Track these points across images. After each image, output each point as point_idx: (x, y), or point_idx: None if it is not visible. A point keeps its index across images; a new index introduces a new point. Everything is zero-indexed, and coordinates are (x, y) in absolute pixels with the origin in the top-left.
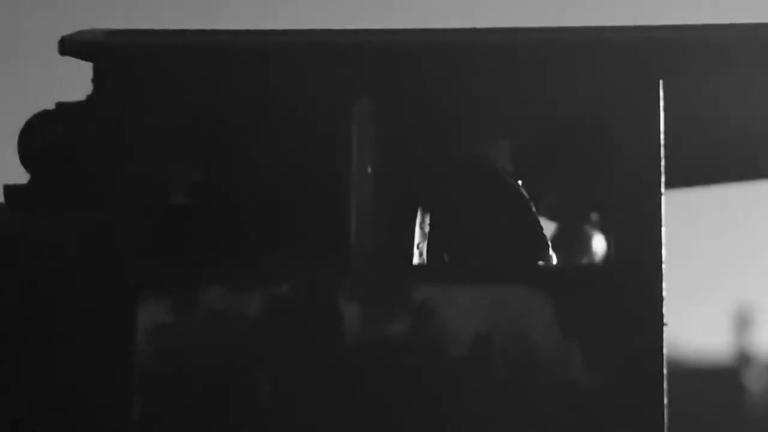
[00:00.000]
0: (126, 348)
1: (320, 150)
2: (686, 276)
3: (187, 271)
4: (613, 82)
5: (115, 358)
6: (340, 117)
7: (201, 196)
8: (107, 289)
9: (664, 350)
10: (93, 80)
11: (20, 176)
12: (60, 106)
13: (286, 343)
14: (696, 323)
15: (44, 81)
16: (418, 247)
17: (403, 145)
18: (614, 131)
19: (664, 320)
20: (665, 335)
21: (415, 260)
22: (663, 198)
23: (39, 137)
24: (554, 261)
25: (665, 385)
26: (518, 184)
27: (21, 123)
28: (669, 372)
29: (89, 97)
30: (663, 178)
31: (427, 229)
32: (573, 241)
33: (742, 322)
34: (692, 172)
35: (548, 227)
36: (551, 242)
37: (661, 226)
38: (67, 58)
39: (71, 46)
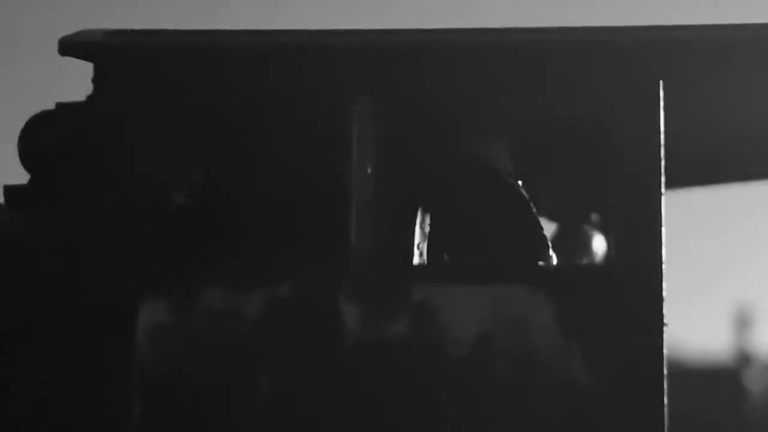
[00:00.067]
0: (126, 348)
1: (320, 150)
2: (686, 276)
3: (187, 271)
4: (613, 82)
5: (115, 358)
6: (340, 117)
7: (201, 196)
8: (107, 289)
9: (664, 350)
10: (93, 80)
11: (20, 176)
12: (60, 106)
13: (286, 344)
14: (696, 323)
15: (44, 81)
16: (418, 247)
17: (403, 145)
18: (614, 131)
19: (664, 320)
20: (665, 335)
21: (415, 260)
22: (663, 198)
23: (39, 137)
24: (554, 261)
25: (665, 386)
26: (518, 184)
27: (21, 123)
28: (669, 372)
29: (89, 97)
30: (663, 178)
31: (427, 229)
32: (573, 242)
33: (742, 322)
34: (692, 172)
35: (548, 227)
36: (551, 242)
37: (661, 226)
38: (67, 58)
39: (71, 46)
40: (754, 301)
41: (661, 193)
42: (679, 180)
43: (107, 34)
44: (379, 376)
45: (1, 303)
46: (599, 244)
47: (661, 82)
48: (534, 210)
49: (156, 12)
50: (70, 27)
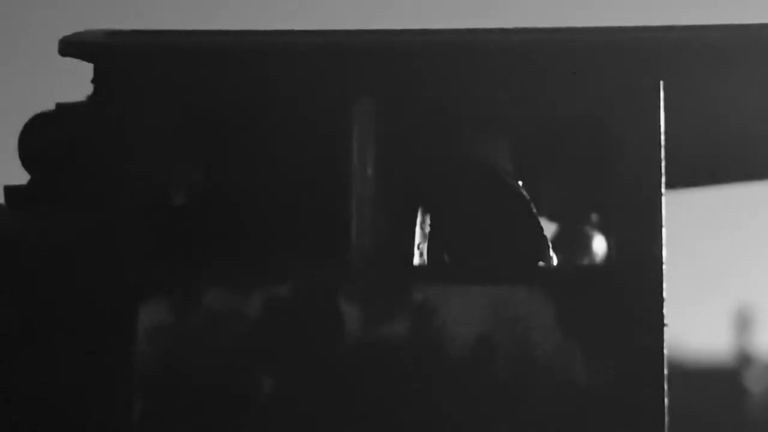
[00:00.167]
0: (126, 348)
1: (320, 150)
2: (687, 276)
3: (187, 271)
4: (614, 82)
5: (115, 358)
6: (340, 117)
7: (201, 196)
8: (107, 289)
9: (665, 351)
10: (93, 80)
11: (20, 176)
12: (60, 106)
13: (286, 344)
14: (696, 324)
15: (44, 81)
16: (418, 248)
17: (404, 145)
18: (614, 131)
19: (665, 321)
20: (666, 336)
21: (416, 261)
22: (663, 198)
23: (39, 138)
24: (554, 261)
25: (665, 386)
26: (518, 184)
27: (21, 123)
28: (669, 372)
29: (89, 98)
30: (663, 178)
31: (427, 229)
32: (573, 242)
33: (743, 322)
34: (692, 172)
35: (548, 228)
36: (551, 243)
37: (661, 227)
38: (67, 58)
39: (71, 46)
40: (754, 301)
41: (661, 193)
42: (679, 180)
43: (107, 34)
44: (379, 376)
45: (1, 303)
46: (599, 245)
47: (661, 82)
48: (534, 210)
49: (156, 12)
50: (70, 27)
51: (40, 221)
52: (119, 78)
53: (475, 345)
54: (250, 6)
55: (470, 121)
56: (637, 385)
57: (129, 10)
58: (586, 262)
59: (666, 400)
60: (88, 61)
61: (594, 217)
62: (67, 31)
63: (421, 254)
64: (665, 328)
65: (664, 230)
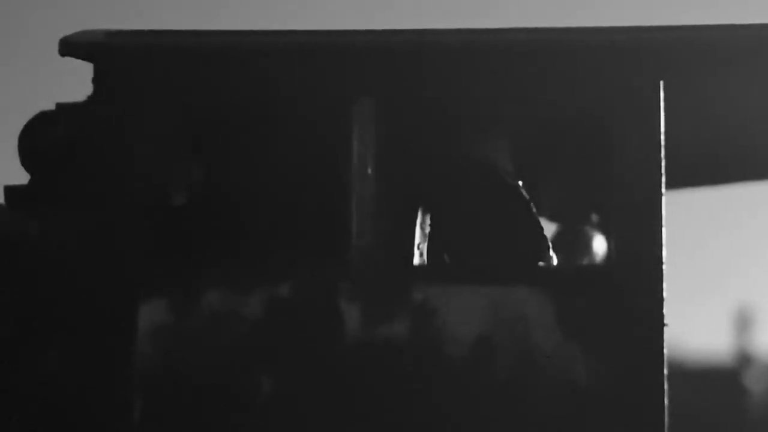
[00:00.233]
0: (126, 348)
1: (320, 150)
2: (687, 276)
3: (187, 271)
4: (614, 82)
5: (115, 358)
6: (340, 117)
7: (201, 196)
8: (107, 289)
9: (665, 351)
10: (93, 80)
11: (20, 176)
12: (60, 106)
13: (287, 344)
14: (696, 324)
15: (44, 81)
16: (418, 248)
17: (404, 145)
18: (614, 131)
19: (665, 321)
20: (665, 336)
21: (416, 261)
22: (663, 198)
23: (39, 138)
24: (554, 261)
25: (665, 386)
26: (518, 184)
27: (21, 123)
28: (669, 372)
29: (89, 98)
30: (663, 178)
31: (427, 229)
32: (573, 242)
33: (743, 322)
34: (692, 172)
35: (548, 228)
36: (551, 243)
37: (661, 227)
38: (67, 58)
39: (71, 46)
40: (754, 301)
41: (661, 193)
42: (679, 180)
43: (107, 34)
44: (379, 376)
45: (1, 303)
46: (599, 245)
47: (661, 82)
48: (534, 210)
49: (156, 12)
50: (70, 27)
51: (40, 221)
52: (119, 78)
53: (475, 345)
54: (250, 6)
55: (470, 121)
56: (637, 385)
57: (129, 10)
58: (586, 262)
59: (666, 400)
60: (88, 61)
61: (594, 217)
62: (67, 31)
63: (421, 254)
64: (665, 328)
65: (664, 230)
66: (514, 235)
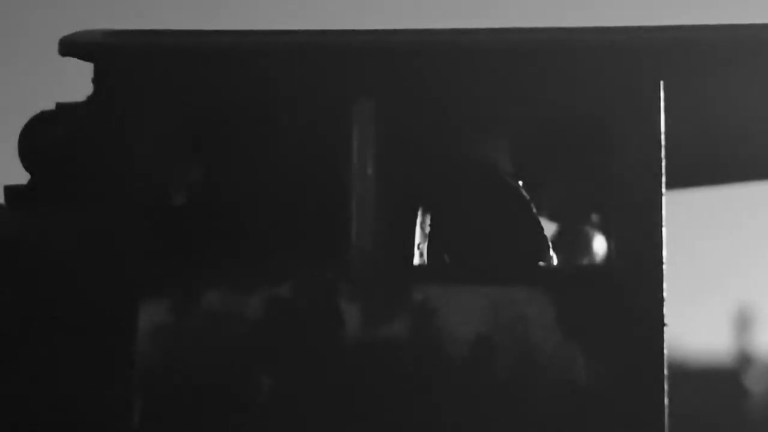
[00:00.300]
0: (126, 348)
1: (320, 150)
2: (687, 276)
3: (187, 271)
4: (614, 82)
5: (115, 358)
6: (340, 117)
7: (201, 196)
8: (107, 289)
9: (665, 351)
10: (93, 80)
11: (20, 176)
12: (60, 106)
13: (287, 344)
14: (697, 324)
15: (44, 81)
16: (418, 248)
17: (404, 145)
18: (614, 131)
19: (665, 321)
20: (665, 336)
21: (416, 261)
22: (663, 198)
23: (39, 138)
24: (554, 261)
25: (665, 386)
26: (518, 184)
27: (21, 123)
28: (669, 372)
29: (89, 98)
30: (663, 178)
31: (427, 229)
32: (573, 242)
33: (743, 322)
34: (692, 172)
35: (548, 227)
36: (551, 242)
37: (661, 227)
38: (67, 58)
39: (71, 46)
40: (754, 301)
41: (661, 193)
42: (679, 180)
43: (107, 34)
44: (379, 376)
45: (1, 303)
46: (599, 245)
47: (661, 82)
48: (534, 210)
49: (156, 12)
50: (70, 27)
51: (40, 221)
52: (119, 78)
53: (475, 345)
54: (250, 6)
55: (470, 121)
56: (637, 385)
57: (129, 10)
58: (586, 262)
59: (666, 400)
60: (88, 61)
61: (594, 217)
62: (67, 31)
63: (421, 254)
64: (665, 328)
65: (664, 230)
66: (514, 235)
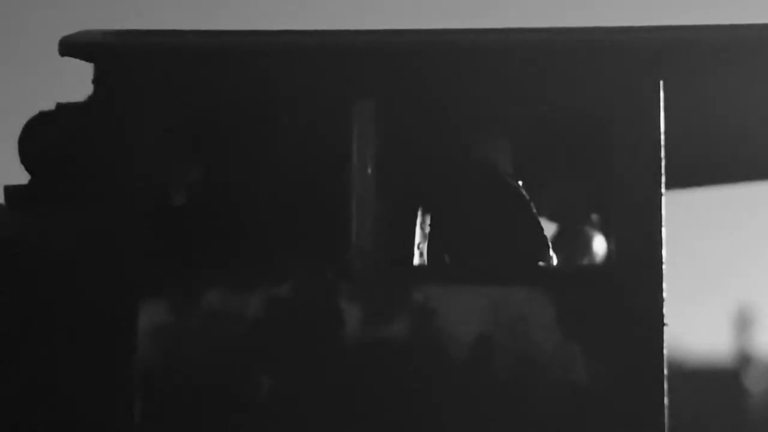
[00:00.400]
0: (126, 348)
1: (320, 150)
2: (687, 276)
3: (187, 271)
4: (614, 82)
5: (115, 358)
6: (340, 117)
7: (201, 196)
8: (108, 289)
9: (665, 351)
10: (93, 81)
11: (20, 176)
12: (60, 106)
13: (287, 344)
14: (697, 324)
15: (44, 81)
16: (418, 248)
17: (404, 145)
18: (615, 131)
19: (665, 321)
20: (665, 336)
21: (416, 261)
22: (663, 198)
23: (39, 138)
24: (554, 261)
25: (665, 386)
26: (518, 184)
27: (21, 123)
28: (669, 373)
29: (89, 98)
30: (663, 178)
31: (427, 229)
32: (573, 242)
33: (743, 322)
34: (692, 172)
35: (548, 228)
36: (551, 243)
37: (661, 227)
38: (67, 58)
39: (71, 46)
40: (754, 301)
41: (661, 193)
42: (679, 180)
43: (107, 35)
44: (379, 376)
45: (1, 303)
46: (599, 245)
47: (661, 82)
48: (534, 210)
49: (156, 12)
50: (70, 27)
51: (40, 221)
52: (119, 78)
53: (475, 345)
54: (250, 6)
55: (470, 121)
56: (637, 385)
57: (129, 10)
58: (586, 262)
59: (666, 400)
60: (88, 61)
61: (594, 217)
62: (67, 31)
63: (421, 254)
64: (665, 328)
65: (664, 230)
66: (514, 235)
